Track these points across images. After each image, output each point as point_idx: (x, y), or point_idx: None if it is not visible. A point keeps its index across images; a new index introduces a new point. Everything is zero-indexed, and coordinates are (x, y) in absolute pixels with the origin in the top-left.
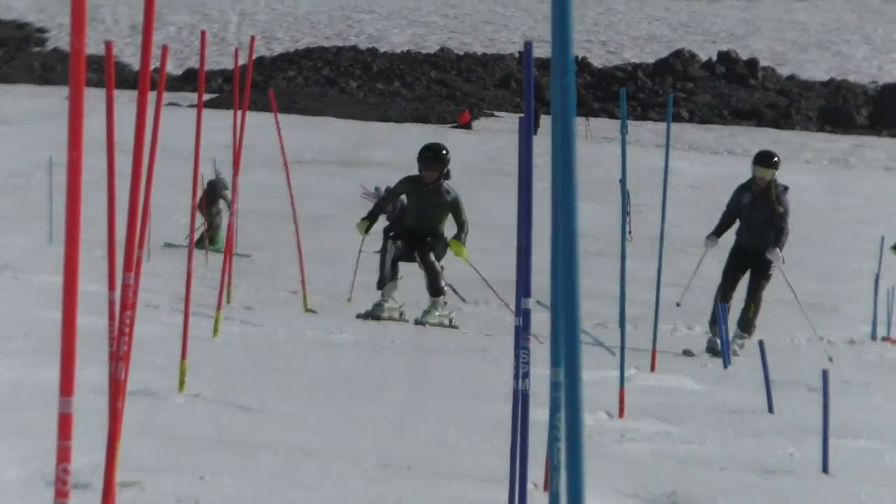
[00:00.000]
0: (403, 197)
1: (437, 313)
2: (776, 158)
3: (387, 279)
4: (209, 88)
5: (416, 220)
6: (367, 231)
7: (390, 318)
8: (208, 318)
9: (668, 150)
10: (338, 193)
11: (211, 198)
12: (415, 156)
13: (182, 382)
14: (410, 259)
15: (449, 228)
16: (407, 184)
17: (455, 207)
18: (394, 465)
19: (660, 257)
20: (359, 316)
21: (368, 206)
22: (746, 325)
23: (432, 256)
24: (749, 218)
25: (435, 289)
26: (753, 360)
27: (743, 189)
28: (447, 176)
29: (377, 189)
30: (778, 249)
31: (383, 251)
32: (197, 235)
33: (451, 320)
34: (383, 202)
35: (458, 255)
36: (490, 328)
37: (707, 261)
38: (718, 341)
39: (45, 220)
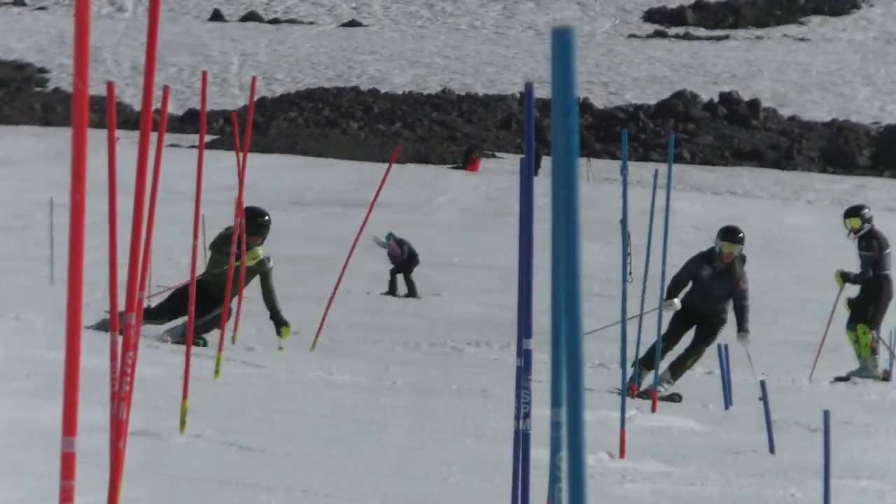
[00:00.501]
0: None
1: (174, 339)
2: (742, 234)
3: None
4: (210, 129)
5: (221, 284)
6: None
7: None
8: (209, 359)
9: (668, 191)
10: (339, 234)
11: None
12: (416, 197)
13: (183, 423)
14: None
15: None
16: (225, 243)
17: (268, 276)
18: None
19: (660, 298)
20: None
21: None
22: (679, 371)
23: (213, 323)
24: (707, 290)
25: (199, 335)
26: (755, 400)
27: (702, 260)
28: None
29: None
30: (747, 335)
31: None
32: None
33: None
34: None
35: (284, 338)
36: (491, 369)
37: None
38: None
39: (46, 261)
